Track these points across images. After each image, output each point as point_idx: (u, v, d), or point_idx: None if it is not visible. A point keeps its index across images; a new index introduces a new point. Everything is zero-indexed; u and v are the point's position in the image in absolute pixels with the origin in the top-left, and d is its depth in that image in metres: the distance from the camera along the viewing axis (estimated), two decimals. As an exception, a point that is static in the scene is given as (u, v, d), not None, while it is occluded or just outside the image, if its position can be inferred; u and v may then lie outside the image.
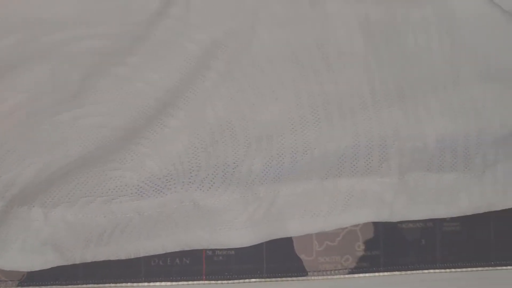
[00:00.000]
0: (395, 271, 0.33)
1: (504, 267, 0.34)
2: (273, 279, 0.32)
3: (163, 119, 0.32)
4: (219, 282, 0.32)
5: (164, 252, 0.32)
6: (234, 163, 0.32)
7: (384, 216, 0.32)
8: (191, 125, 0.32)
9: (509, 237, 0.34)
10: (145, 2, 0.32)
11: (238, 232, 0.32)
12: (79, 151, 0.31)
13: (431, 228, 0.34)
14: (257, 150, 0.32)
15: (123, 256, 0.31)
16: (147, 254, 0.32)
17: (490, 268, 0.34)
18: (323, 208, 0.32)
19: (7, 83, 0.31)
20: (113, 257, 0.31)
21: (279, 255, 0.33)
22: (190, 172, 0.31)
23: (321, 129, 0.33)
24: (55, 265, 0.30)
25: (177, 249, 0.32)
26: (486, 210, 0.33)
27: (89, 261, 0.31)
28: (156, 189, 0.31)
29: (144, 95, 0.32)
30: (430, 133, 0.33)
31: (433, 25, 0.34)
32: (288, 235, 0.32)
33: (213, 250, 0.33)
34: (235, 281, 0.32)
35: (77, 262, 0.31)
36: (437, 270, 0.33)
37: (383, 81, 0.33)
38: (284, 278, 0.33)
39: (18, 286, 0.31)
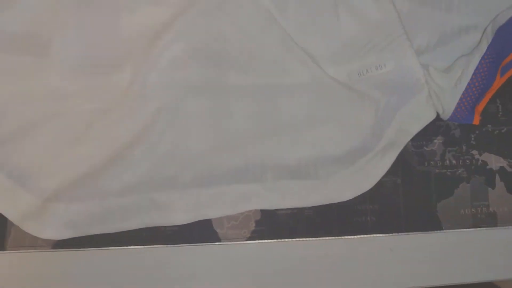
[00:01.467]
0: (275, 239, 0.54)
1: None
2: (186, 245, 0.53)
3: None
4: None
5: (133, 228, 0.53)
6: (177, 177, 0.52)
7: (265, 206, 0.53)
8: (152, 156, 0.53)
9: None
10: None
11: (177, 215, 0.52)
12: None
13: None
14: (188, 169, 0.52)
15: (113, 230, 0.53)
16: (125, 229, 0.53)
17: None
18: (228, 201, 0.52)
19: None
20: (105, 231, 0.53)
21: (199, 229, 0.53)
22: (150, 183, 0.52)
23: (221, 156, 0.53)
24: (71, 236, 0.52)
25: (142, 226, 0.52)
26: (328, 203, 0.53)
27: (93, 233, 0.52)
28: (130, 191, 0.52)
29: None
30: (293, 157, 0.53)
31: (299, 90, 0.54)
32: (209, 218, 0.53)
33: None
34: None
35: (84, 235, 0.53)
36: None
37: (264, 124, 0.53)
38: (198, 244, 0.53)
39: (52, 248, 0.54)
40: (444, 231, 0.53)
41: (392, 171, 0.53)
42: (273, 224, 0.54)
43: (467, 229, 0.53)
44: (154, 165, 0.52)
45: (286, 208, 0.54)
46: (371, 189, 0.53)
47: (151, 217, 0.52)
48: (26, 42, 0.51)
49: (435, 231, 0.54)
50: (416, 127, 0.53)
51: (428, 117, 0.53)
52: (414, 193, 0.54)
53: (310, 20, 0.53)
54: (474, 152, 0.56)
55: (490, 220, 0.54)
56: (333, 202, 0.53)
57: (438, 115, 0.53)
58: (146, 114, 0.52)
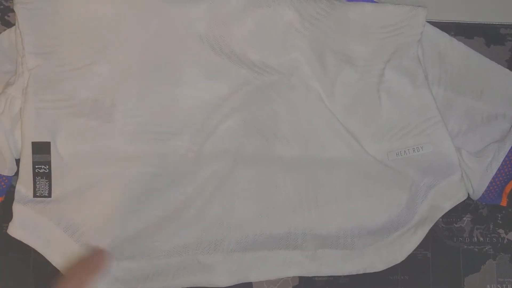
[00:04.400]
0: (311, 304, 0.58)
1: None
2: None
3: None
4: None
5: (178, 286, 0.56)
6: (223, 241, 0.56)
7: (304, 272, 0.56)
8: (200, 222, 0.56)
9: None
10: None
11: (220, 278, 0.56)
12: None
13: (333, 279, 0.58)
14: (234, 234, 0.56)
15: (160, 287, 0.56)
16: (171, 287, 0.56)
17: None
18: (270, 266, 0.56)
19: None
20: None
21: (244, 293, 0.58)
22: (197, 245, 0.56)
23: (266, 223, 0.56)
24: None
25: (187, 285, 0.56)
26: (363, 272, 0.56)
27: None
28: (179, 252, 0.56)
29: None
30: (332, 227, 0.56)
31: (339, 165, 0.58)
32: (250, 281, 0.56)
33: None
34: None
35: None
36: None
37: (306, 195, 0.57)
38: (245, 308, 0.57)
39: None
40: (471, 304, 0.58)
41: (423, 244, 0.57)
42: (314, 290, 0.58)
43: (492, 304, 0.58)
44: (202, 229, 0.56)
45: (322, 275, 0.57)
46: (402, 261, 0.56)
47: (196, 277, 0.56)
48: (93, 107, 0.56)
49: (462, 305, 0.57)
50: (448, 205, 0.57)
51: (460, 197, 0.57)
52: (443, 266, 0.59)
53: (354, 102, 0.58)
54: (501, 231, 0.60)
55: (514, 296, 0.58)
56: (367, 272, 0.57)
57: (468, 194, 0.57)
58: (198, 180, 0.56)
